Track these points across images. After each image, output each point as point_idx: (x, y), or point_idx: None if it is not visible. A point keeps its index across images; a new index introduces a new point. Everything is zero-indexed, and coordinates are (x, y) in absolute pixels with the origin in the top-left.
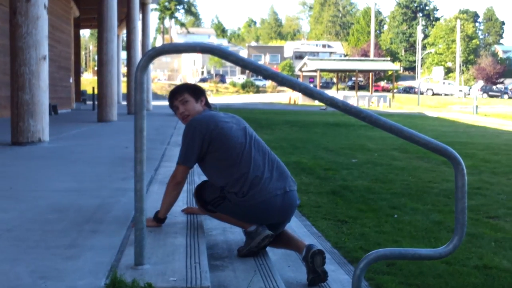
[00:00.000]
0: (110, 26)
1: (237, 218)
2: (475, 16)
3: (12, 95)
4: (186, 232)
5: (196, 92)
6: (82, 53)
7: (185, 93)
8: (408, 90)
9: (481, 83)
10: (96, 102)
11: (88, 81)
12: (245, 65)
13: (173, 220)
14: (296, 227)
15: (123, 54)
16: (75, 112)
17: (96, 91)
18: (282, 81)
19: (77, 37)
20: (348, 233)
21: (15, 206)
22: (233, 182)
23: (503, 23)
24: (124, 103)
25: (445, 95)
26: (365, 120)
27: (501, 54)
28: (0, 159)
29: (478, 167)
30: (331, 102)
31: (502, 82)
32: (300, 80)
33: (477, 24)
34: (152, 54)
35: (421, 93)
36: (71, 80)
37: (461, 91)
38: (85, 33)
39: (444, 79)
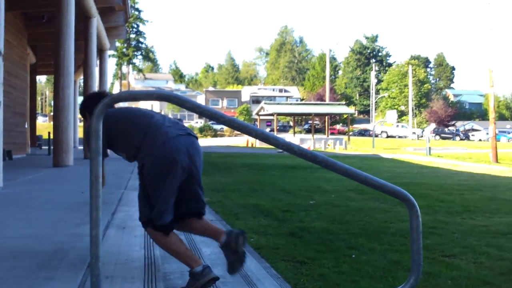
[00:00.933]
0: (67, 72)
1: (158, 181)
2: (426, 61)
3: None
4: (144, 277)
5: (88, 106)
6: (38, 98)
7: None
8: (363, 133)
9: (433, 125)
10: (52, 147)
11: (44, 126)
12: (202, 112)
13: (130, 264)
14: (255, 268)
15: (80, 99)
16: (30, 157)
17: (52, 136)
18: (238, 127)
19: (33, 83)
20: (307, 274)
21: None
22: (140, 141)
23: (453, 68)
24: (81, 147)
25: (399, 137)
26: (321, 164)
27: (452, 98)
28: None
29: (432, 207)
30: (287, 147)
31: (453, 125)
32: (258, 123)
33: (428, 69)
34: (108, 102)
35: (376, 136)
36: (26, 126)
37: (414, 133)
38: (41, 78)
39: (398, 122)
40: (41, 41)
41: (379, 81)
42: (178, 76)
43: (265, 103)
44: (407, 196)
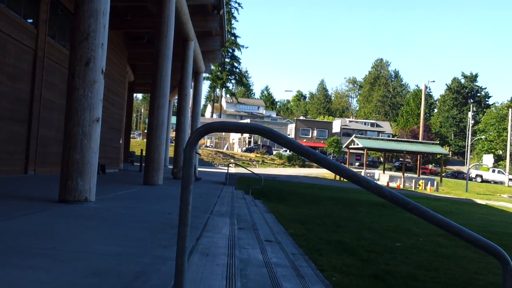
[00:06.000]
0: (163, 93)
1: None
2: None
3: (63, 154)
4: None
5: None
6: (134, 115)
7: None
8: (457, 175)
9: None
10: (143, 165)
11: (137, 142)
12: (294, 149)
13: None
14: None
15: (173, 119)
16: (122, 172)
17: (144, 154)
18: (329, 166)
19: (130, 100)
20: None
21: (56, 267)
22: None
23: None
24: (171, 166)
25: (495, 182)
26: (412, 212)
27: None
28: (46, 216)
29: None
30: (378, 191)
31: None
32: (347, 157)
33: None
34: (202, 131)
35: (470, 179)
36: (121, 141)
37: (511, 179)
38: (138, 95)
39: (494, 166)
40: (140, 60)
41: (476, 123)
42: (270, 102)
43: (355, 137)
44: (501, 253)
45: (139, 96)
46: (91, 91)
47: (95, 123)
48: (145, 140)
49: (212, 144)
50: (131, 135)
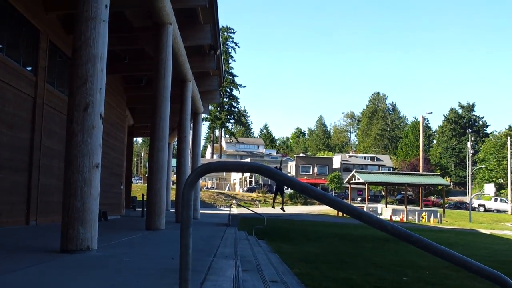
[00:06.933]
0: (162, 136)
1: None
2: None
3: (64, 202)
4: None
5: None
6: (134, 159)
7: None
8: (459, 206)
9: None
10: (145, 209)
11: (138, 187)
12: (293, 186)
13: None
14: None
15: (174, 162)
16: (124, 218)
17: (145, 198)
18: (329, 202)
19: (130, 145)
20: None
21: None
22: None
23: None
24: (173, 210)
25: (498, 211)
26: (415, 244)
27: None
28: (47, 268)
29: None
30: (379, 225)
31: None
32: (349, 192)
33: None
34: (200, 172)
35: (473, 209)
36: (122, 187)
37: None
38: (138, 139)
39: (496, 195)
40: (139, 103)
41: (476, 152)
42: (269, 140)
43: (356, 172)
44: (507, 282)
45: (139, 140)
46: (90, 137)
47: (95, 169)
48: (146, 184)
49: (213, 186)
50: (132, 180)
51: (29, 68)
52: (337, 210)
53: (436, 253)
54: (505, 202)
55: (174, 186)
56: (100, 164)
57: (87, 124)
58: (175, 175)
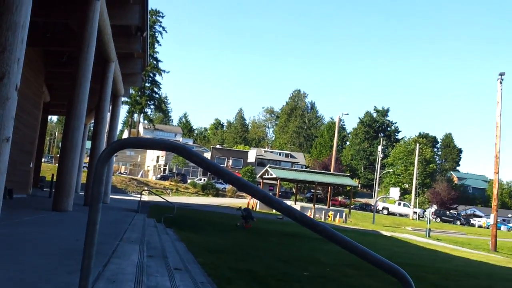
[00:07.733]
0: (79, 114)
1: None
2: (434, 141)
3: None
4: None
5: None
6: (47, 138)
7: None
8: (364, 207)
9: (435, 207)
10: (53, 190)
11: (49, 167)
12: (208, 167)
13: None
14: None
15: (88, 144)
16: (30, 198)
17: (55, 179)
18: (243, 186)
19: (44, 122)
20: None
21: None
22: None
23: (460, 150)
24: (82, 193)
25: (400, 215)
26: (321, 234)
27: (456, 181)
28: None
29: None
30: (288, 212)
31: (455, 208)
32: (261, 187)
33: (435, 149)
34: (116, 146)
35: (377, 212)
36: (31, 165)
37: (415, 212)
38: (53, 118)
39: (400, 199)
40: (57, 80)
41: (385, 156)
42: (188, 130)
43: (269, 167)
44: (405, 277)
45: (54, 118)
46: (3, 108)
47: (4, 143)
48: (57, 165)
49: (126, 171)
50: (43, 159)
51: None
52: (249, 194)
53: (339, 242)
54: (408, 206)
55: (85, 169)
56: (11, 139)
57: (1, 95)
58: (88, 158)
